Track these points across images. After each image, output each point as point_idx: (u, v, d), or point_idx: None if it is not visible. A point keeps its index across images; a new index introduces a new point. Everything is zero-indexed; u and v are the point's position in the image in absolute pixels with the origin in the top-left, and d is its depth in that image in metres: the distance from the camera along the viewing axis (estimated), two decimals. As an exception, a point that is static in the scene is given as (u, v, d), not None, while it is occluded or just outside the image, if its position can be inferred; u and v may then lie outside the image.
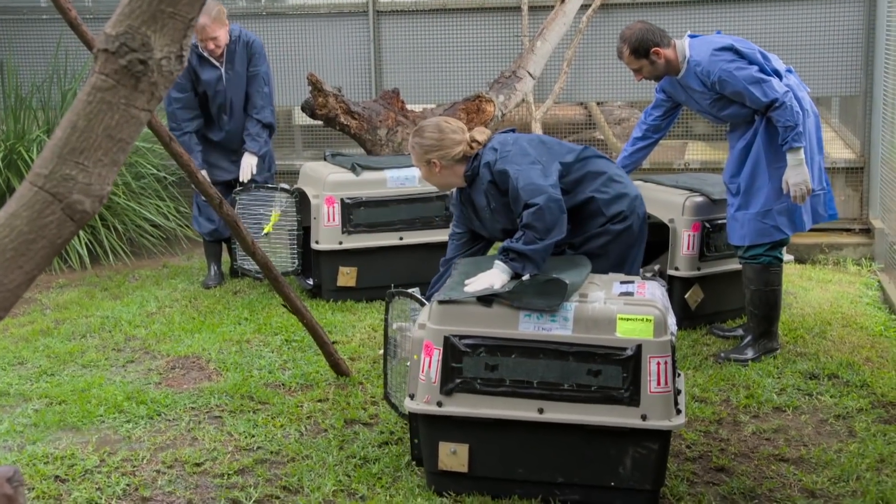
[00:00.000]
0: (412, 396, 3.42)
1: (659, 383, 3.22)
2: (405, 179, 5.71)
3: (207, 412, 4.19)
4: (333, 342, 4.62)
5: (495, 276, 3.45)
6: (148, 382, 4.53)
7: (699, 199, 5.01)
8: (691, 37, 4.62)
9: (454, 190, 4.06)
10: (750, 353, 4.68)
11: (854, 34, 6.73)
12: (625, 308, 3.26)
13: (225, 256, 6.37)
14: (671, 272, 5.01)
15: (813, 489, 3.49)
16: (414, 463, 3.60)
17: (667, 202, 5.05)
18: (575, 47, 7.09)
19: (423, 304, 3.64)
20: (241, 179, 6.03)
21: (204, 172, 5.41)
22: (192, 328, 5.28)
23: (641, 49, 4.54)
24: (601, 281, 3.51)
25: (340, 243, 5.65)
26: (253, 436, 3.93)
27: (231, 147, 6.10)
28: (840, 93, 7.15)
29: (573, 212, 3.86)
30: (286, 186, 5.84)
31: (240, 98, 6.02)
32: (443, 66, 7.38)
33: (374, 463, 3.66)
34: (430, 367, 3.34)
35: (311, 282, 5.84)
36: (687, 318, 5.05)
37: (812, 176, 4.52)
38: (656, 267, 5.03)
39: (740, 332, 4.96)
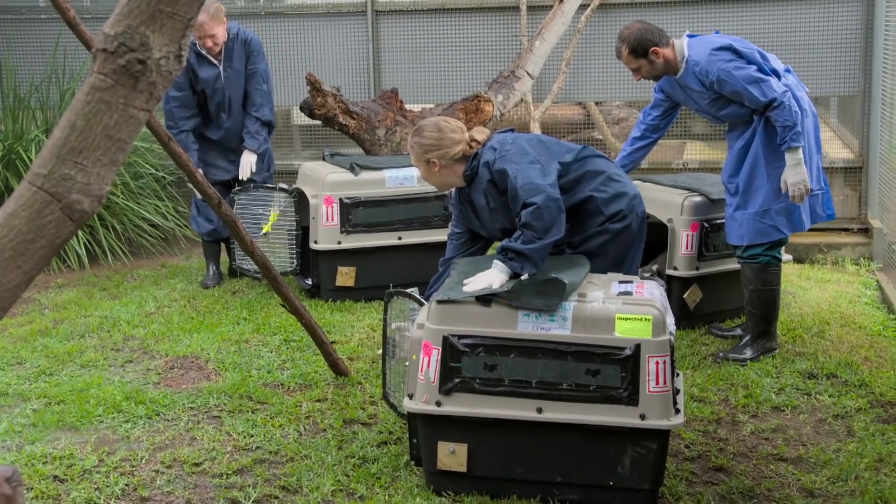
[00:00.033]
0: (411, 396, 3.42)
1: (657, 383, 3.23)
2: (404, 179, 5.71)
3: (206, 412, 4.19)
4: (332, 342, 4.62)
5: (494, 276, 3.45)
6: (146, 382, 4.53)
7: (698, 198, 5.01)
8: (690, 36, 4.62)
9: (453, 190, 4.06)
10: (748, 353, 4.68)
11: (852, 34, 6.74)
12: (623, 308, 3.26)
13: (223, 256, 6.37)
14: (670, 272, 5.01)
15: (811, 488, 3.50)
16: (413, 463, 3.60)
17: (665, 202, 5.05)
18: (573, 47, 7.09)
19: (421, 304, 3.64)
20: (240, 177, 6.03)
21: (200, 171, 5.39)
22: (190, 328, 5.28)
23: (640, 49, 4.54)
24: (600, 280, 3.51)
25: (339, 243, 5.65)
26: (252, 436, 3.93)
27: (229, 146, 6.09)
28: (838, 92, 7.16)
29: (572, 211, 3.86)
30: (285, 186, 5.84)
31: (238, 96, 6.01)
32: (441, 65, 7.38)
33: (372, 463, 3.66)
34: (428, 366, 3.34)
35: (309, 282, 5.84)
36: (685, 317, 5.05)
37: (810, 176, 4.52)
38: (654, 267, 5.04)
39: (739, 331, 4.96)
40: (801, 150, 4.42)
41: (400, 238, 5.72)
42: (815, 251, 6.55)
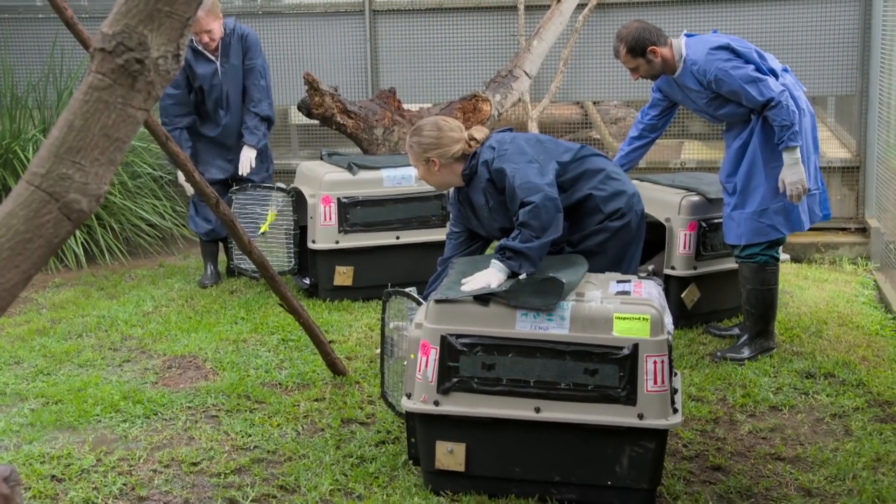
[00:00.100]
0: (409, 396, 3.42)
1: (655, 382, 3.23)
2: (402, 179, 5.71)
3: (204, 411, 4.18)
4: (330, 341, 4.62)
5: (492, 275, 3.45)
6: (144, 382, 4.53)
7: (695, 198, 5.02)
8: (688, 36, 4.63)
9: (452, 189, 4.06)
10: (746, 352, 4.68)
11: (850, 34, 6.74)
12: (621, 307, 3.26)
13: (221, 256, 6.37)
14: (668, 271, 5.02)
15: (809, 488, 3.50)
16: (411, 462, 3.61)
17: (663, 201, 5.06)
18: (571, 47, 7.09)
19: (419, 304, 3.64)
20: (240, 172, 6.03)
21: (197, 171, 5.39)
22: (188, 327, 5.27)
23: (638, 48, 4.55)
24: (598, 280, 3.51)
25: (337, 242, 5.65)
26: (250, 435, 3.93)
27: (226, 143, 6.08)
28: (836, 92, 7.16)
29: (571, 209, 3.87)
30: (283, 186, 5.84)
31: (236, 92, 6.00)
32: (439, 65, 7.38)
33: (370, 462, 3.66)
34: (426, 366, 3.34)
35: (307, 281, 5.84)
36: (683, 317, 5.06)
37: (808, 175, 4.53)
38: (650, 267, 5.06)
39: (737, 331, 4.97)
40: (798, 150, 4.43)
41: (398, 237, 5.72)
42: (813, 251, 6.55)
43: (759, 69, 4.44)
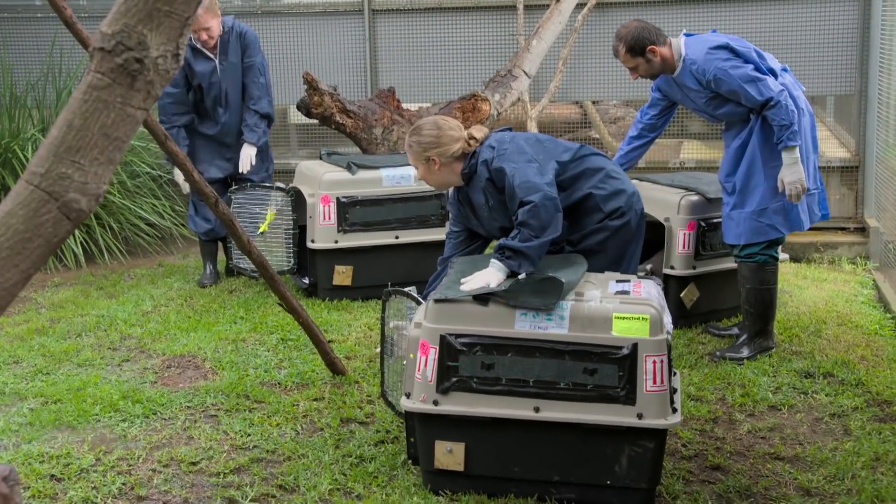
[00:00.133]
0: (408, 395, 3.42)
1: (655, 382, 3.23)
2: (401, 178, 5.70)
3: (203, 411, 4.18)
4: (329, 341, 4.62)
5: (491, 275, 3.45)
6: (143, 381, 4.53)
7: (695, 197, 5.02)
8: (687, 35, 4.63)
9: (451, 189, 4.06)
10: (745, 352, 4.69)
11: (849, 33, 6.75)
12: (621, 307, 3.26)
13: (220, 255, 6.37)
14: (667, 271, 5.02)
15: (808, 487, 3.50)
16: (410, 462, 3.61)
17: (662, 201, 5.06)
18: (570, 46, 7.09)
19: (419, 303, 3.64)
20: (240, 170, 6.03)
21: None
22: (187, 327, 5.27)
23: (637, 47, 4.55)
24: (597, 280, 3.51)
25: (336, 242, 5.65)
26: (249, 435, 3.93)
27: (225, 142, 6.08)
28: (835, 92, 7.16)
29: (571, 208, 3.87)
30: (282, 185, 5.84)
31: (235, 90, 6.00)
32: (438, 64, 7.38)
33: (370, 462, 3.66)
34: (426, 365, 3.34)
35: (306, 280, 5.84)
36: (682, 316, 5.06)
37: (807, 175, 4.53)
38: (648, 266, 5.06)
39: (736, 330, 4.97)
40: (797, 150, 4.43)
41: (397, 237, 5.71)
42: (812, 250, 6.55)
43: (758, 69, 4.44)
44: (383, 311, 3.78)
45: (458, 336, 3.31)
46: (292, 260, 5.80)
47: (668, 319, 3.34)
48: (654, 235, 4.98)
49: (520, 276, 3.45)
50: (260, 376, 4.54)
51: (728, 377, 4.47)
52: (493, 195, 3.80)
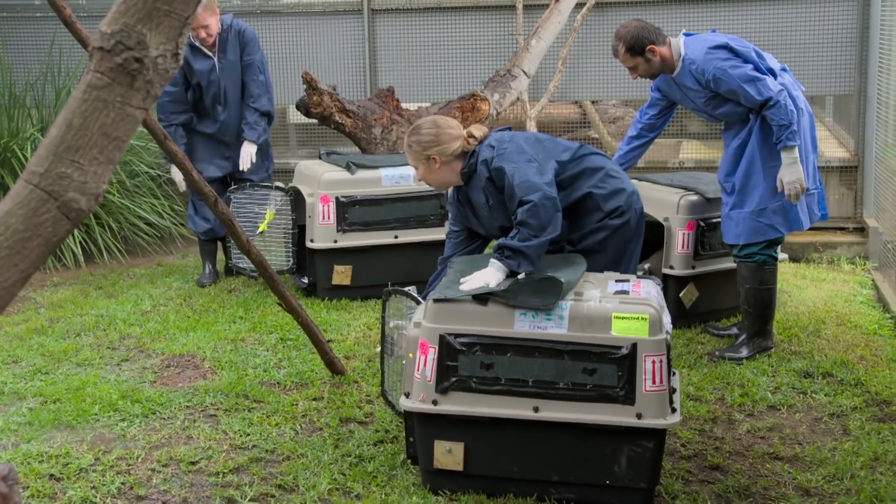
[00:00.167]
0: (407, 395, 3.42)
1: (654, 382, 3.23)
2: (400, 178, 5.70)
3: (202, 411, 4.18)
4: (328, 340, 4.62)
5: (491, 275, 3.45)
6: (143, 381, 4.53)
7: (694, 197, 5.02)
8: (686, 35, 4.63)
9: (450, 189, 4.06)
10: (744, 352, 4.69)
11: (848, 33, 6.75)
12: (620, 307, 3.26)
13: (220, 255, 6.37)
14: (666, 271, 5.02)
15: (807, 487, 3.50)
16: (409, 461, 3.60)
17: (662, 201, 5.06)
18: (570, 46, 7.09)
19: (419, 303, 3.64)
20: (240, 168, 6.03)
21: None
22: (186, 327, 5.27)
23: (637, 47, 4.55)
24: (596, 279, 3.51)
25: (335, 242, 5.65)
26: (248, 434, 3.92)
27: (224, 140, 6.07)
28: (834, 92, 7.17)
29: (571, 208, 3.87)
30: (281, 185, 5.84)
31: (234, 88, 6.00)
32: (438, 64, 7.38)
33: (369, 461, 3.66)
34: (425, 365, 3.34)
35: (305, 280, 5.84)
36: (682, 316, 5.06)
37: (806, 175, 4.53)
38: (646, 266, 5.06)
39: (735, 330, 4.97)
40: (796, 149, 4.43)
41: (396, 237, 5.71)
42: (811, 250, 6.56)
43: (757, 68, 4.44)
44: (383, 310, 3.78)
45: (457, 336, 3.31)
46: (291, 259, 5.80)
47: (667, 319, 3.34)
48: (653, 235, 4.98)
49: (519, 276, 3.45)
50: (259, 376, 4.54)
51: (727, 377, 4.47)
52: (493, 194, 3.80)
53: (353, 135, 6.49)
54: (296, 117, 7.60)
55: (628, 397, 3.23)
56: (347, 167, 5.68)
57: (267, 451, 3.78)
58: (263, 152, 6.15)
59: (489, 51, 7.29)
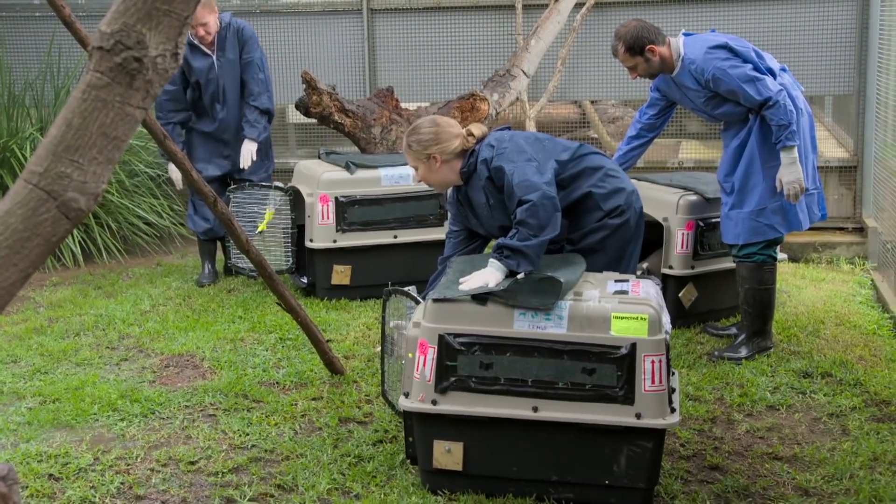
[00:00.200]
0: (407, 395, 3.42)
1: (653, 382, 3.23)
2: (399, 178, 5.70)
3: (202, 410, 4.18)
4: (328, 340, 4.62)
5: (490, 275, 3.45)
6: (142, 381, 4.53)
7: (693, 197, 5.02)
8: (686, 35, 4.63)
9: (450, 189, 4.06)
10: (744, 352, 4.69)
11: (847, 33, 6.75)
12: (619, 306, 3.26)
13: (219, 254, 6.37)
14: (665, 271, 5.02)
15: (806, 487, 3.50)
16: (408, 461, 3.60)
17: (661, 201, 5.06)
18: (569, 46, 7.09)
19: (419, 303, 3.64)
20: (241, 166, 6.02)
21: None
22: (186, 326, 5.27)
23: (637, 46, 4.55)
24: (596, 279, 3.51)
25: (335, 241, 5.65)
26: (247, 434, 3.92)
27: (223, 138, 6.07)
28: (833, 92, 7.17)
29: (571, 207, 3.87)
30: (280, 185, 5.84)
31: (233, 86, 5.99)
32: (437, 64, 7.38)
33: (368, 461, 3.66)
34: (424, 365, 3.34)
35: (305, 280, 5.84)
36: (681, 316, 5.06)
37: (806, 175, 4.53)
38: (644, 265, 5.06)
39: (734, 330, 4.97)
40: (796, 149, 4.43)
41: (395, 236, 5.71)
42: (810, 250, 6.56)
43: (756, 68, 4.44)
44: (383, 310, 3.78)
45: (456, 336, 3.31)
46: (291, 259, 5.80)
47: (666, 319, 3.34)
48: (652, 235, 4.98)
49: (518, 276, 3.45)
50: (258, 376, 4.54)
51: (726, 377, 4.47)
52: (493, 194, 3.80)
53: (353, 134, 6.49)
54: (295, 117, 7.60)
55: (627, 397, 3.23)
56: (347, 167, 5.69)
57: (266, 450, 3.78)
58: (264, 152, 6.15)
59: (488, 51, 7.29)
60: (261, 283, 5.90)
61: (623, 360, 3.22)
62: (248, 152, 6.00)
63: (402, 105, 6.71)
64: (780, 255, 4.90)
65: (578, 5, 7.00)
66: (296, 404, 4.21)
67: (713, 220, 5.00)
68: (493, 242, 3.84)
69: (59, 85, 7.26)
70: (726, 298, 5.17)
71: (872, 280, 5.97)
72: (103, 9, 7.32)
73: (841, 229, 6.77)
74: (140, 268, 6.62)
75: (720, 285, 5.14)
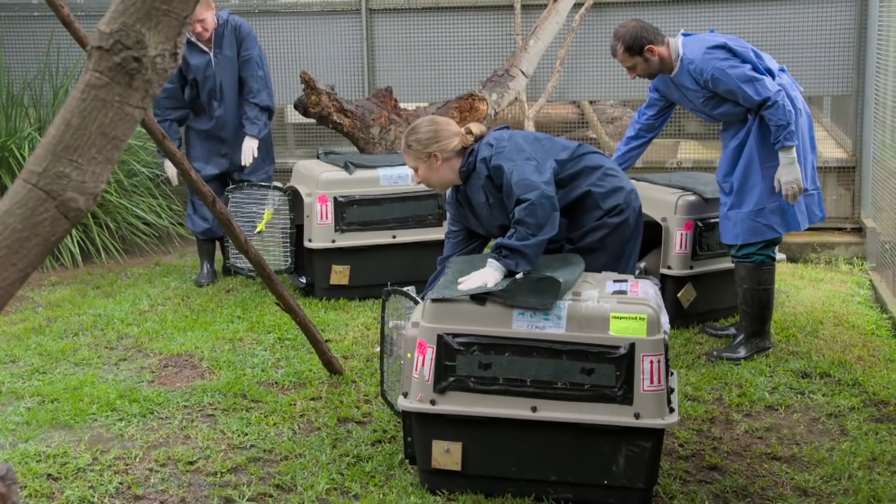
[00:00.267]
0: (405, 395, 3.42)
1: (652, 382, 3.23)
2: (398, 178, 5.70)
3: (200, 410, 4.18)
4: (326, 340, 4.62)
5: (489, 275, 3.45)
6: (140, 381, 4.53)
7: (692, 197, 5.02)
8: (685, 35, 4.63)
9: (449, 189, 4.06)
10: (742, 352, 4.69)
11: (846, 34, 6.76)
12: (618, 306, 3.26)
13: (217, 254, 6.36)
14: (664, 271, 5.02)
15: (805, 487, 3.50)
16: (407, 461, 3.60)
17: (659, 201, 5.06)
18: (568, 46, 7.09)
19: (418, 303, 3.64)
20: (242, 163, 6.02)
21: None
22: (184, 326, 5.27)
23: (636, 47, 4.55)
24: (594, 279, 3.52)
25: (333, 241, 5.64)
26: (246, 434, 3.92)
27: (221, 136, 6.06)
28: (832, 92, 7.17)
29: (570, 206, 3.87)
30: (279, 184, 5.84)
31: (230, 83, 5.99)
32: (436, 64, 7.38)
33: (367, 461, 3.66)
34: (423, 365, 3.34)
35: (303, 280, 5.84)
36: (679, 316, 5.06)
37: (805, 175, 4.53)
38: (642, 265, 5.06)
39: (733, 330, 4.97)
40: (794, 150, 4.43)
41: (394, 236, 5.71)
42: (809, 250, 6.56)
43: (755, 69, 4.45)
44: (382, 310, 3.78)
45: (455, 336, 3.31)
46: (289, 259, 5.80)
47: (665, 319, 3.34)
48: (651, 235, 4.98)
49: (517, 276, 3.45)
50: (257, 376, 4.54)
51: (725, 377, 4.47)
52: (493, 193, 3.80)
53: (351, 134, 6.49)
54: (294, 117, 7.60)
55: (626, 397, 3.23)
56: (345, 167, 5.68)
57: (265, 450, 3.78)
58: (265, 153, 6.14)
59: (487, 51, 7.29)
60: (259, 283, 5.90)
61: (622, 360, 3.22)
62: (249, 149, 6.00)
63: (401, 105, 6.71)
64: (779, 256, 4.90)
65: (577, 5, 7.01)
66: (294, 404, 4.21)
67: (712, 221, 5.00)
68: (492, 242, 3.84)
69: (58, 85, 7.26)
70: (725, 299, 5.17)
71: (871, 280, 5.98)
72: (102, 8, 7.32)
73: (839, 230, 6.77)
74: (139, 268, 6.62)
75: (719, 285, 5.14)
